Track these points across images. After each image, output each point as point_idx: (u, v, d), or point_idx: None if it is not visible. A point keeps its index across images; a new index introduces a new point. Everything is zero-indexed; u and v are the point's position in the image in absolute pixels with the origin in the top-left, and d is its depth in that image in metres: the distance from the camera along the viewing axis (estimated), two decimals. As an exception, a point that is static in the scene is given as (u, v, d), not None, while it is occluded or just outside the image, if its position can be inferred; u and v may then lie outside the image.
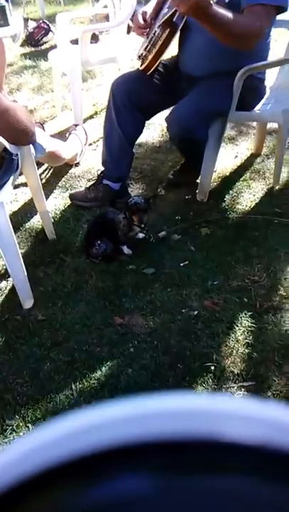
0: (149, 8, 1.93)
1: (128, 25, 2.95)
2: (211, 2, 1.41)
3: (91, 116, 2.87)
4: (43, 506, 0.15)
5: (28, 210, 2.05)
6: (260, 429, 0.16)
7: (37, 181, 1.68)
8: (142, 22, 1.89)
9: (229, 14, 1.48)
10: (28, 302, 1.60)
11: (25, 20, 4.57)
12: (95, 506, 0.15)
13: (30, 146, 1.55)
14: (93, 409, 0.17)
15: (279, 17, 1.73)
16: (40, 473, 0.16)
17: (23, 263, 1.55)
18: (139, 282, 1.69)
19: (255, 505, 0.15)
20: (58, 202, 2.12)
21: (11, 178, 1.48)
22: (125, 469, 0.16)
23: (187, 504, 0.15)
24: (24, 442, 0.17)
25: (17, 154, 1.45)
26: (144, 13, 1.91)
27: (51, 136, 2.16)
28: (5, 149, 1.37)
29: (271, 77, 2.12)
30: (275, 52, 2.22)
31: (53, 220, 1.94)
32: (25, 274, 1.57)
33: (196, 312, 1.57)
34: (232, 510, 0.14)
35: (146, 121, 2.09)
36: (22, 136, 1.35)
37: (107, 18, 3.85)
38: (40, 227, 1.95)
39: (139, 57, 1.95)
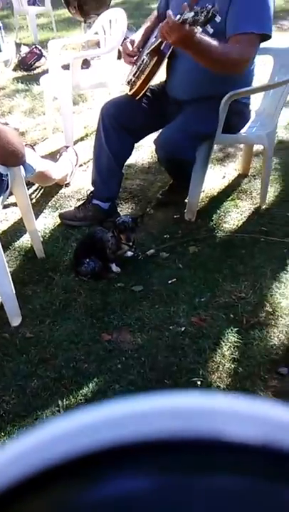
0: (137, 37, 2.01)
1: (118, 50, 3.06)
2: (196, 31, 1.47)
3: (82, 138, 2.93)
4: (41, 506, 0.15)
5: (17, 230, 2.08)
6: (261, 428, 0.16)
7: (27, 201, 1.71)
8: (131, 50, 1.97)
9: (215, 43, 1.55)
10: (15, 320, 1.61)
11: (18, 45, 4.70)
12: (94, 506, 0.15)
13: (21, 167, 1.58)
14: (93, 408, 0.17)
15: (263, 45, 1.82)
16: (39, 473, 0.15)
17: (11, 281, 1.56)
18: (128, 300, 1.71)
19: (255, 505, 0.14)
20: (47, 221, 2.15)
21: (1, 198, 1.51)
22: (125, 469, 0.15)
23: (187, 504, 0.14)
24: (22, 442, 0.16)
25: (7, 175, 1.49)
26: (132, 42, 1.98)
27: (42, 157, 2.21)
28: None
29: (257, 101, 2.21)
30: (260, 79, 2.31)
31: (42, 239, 1.97)
32: (14, 291, 1.58)
33: (183, 328, 1.58)
34: (231, 510, 0.14)
35: (136, 143, 2.15)
36: (12, 157, 1.39)
37: (98, 44, 3.98)
38: (29, 246, 1.97)
39: (128, 83, 2.02)
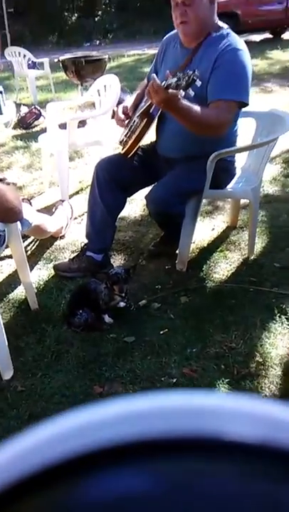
0: (129, 102, 2.17)
1: (113, 111, 3.26)
2: (179, 96, 1.61)
3: (77, 192, 3.05)
4: (41, 506, 0.15)
5: (12, 281, 2.12)
6: (261, 428, 0.16)
7: (22, 254, 1.76)
8: (122, 116, 2.11)
9: (196, 107, 1.69)
10: (7, 373, 1.61)
11: (18, 105, 4.97)
12: (93, 505, 0.15)
13: (17, 222, 1.66)
14: (92, 408, 0.17)
15: (246, 109, 1.97)
16: (38, 473, 0.15)
17: (4, 334, 1.58)
18: (120, 351, 1.72)
19: (255, 505, 0.14)
20: (42, 273, 2.20)
21: (-3, 251, 1.56)
22: (124, 469, 0.16)
23: (187, 504, 0.14)
24: (21, 442, 0.17)
25: (4, 230, 1.55)
26: (124, 108, 2.13)
27: (38, 210, 2.29)
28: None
29: (242, 158, 2.34)
30: (244, 139, 2.46)
31: (36, 291, 2.00)
32: (6, 345, 1.59)
33: (175, 380, 1.59)
34: (231, 509, 0.14)
35: (129, 197, 2.25)
36: (10, 214, 1.46)
37: (94, 104, 4.23)
38: (23, 297, 2.00)
39: (120, 142, 2.15)
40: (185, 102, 1.65)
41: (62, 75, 7.02)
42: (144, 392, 0.19)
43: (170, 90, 1.59)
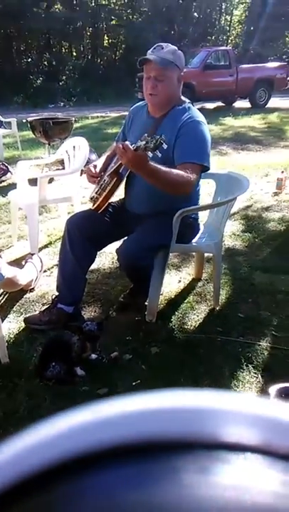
0: (100, 162, 2.30)
1: (81, 170, 3.41)
2: (147, 156, 1.75)
3: (46, 246, 3.11)
4: (40, 506, 0.15)
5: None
6: (260, 429, 0.16)
7: (-5, 307, 1.77)
8: (93, 171, 2.24)
9: (164, 168, 1.84)
10: (-23, 430, 1.56)
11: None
12: (91, 505, 0.15)
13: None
14: (90, 408, 0.17)
15: (207, 172, 2.16)
16: (37, 473, 0.16)
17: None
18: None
19: (254, 507, 0.14)
20: (12, 326, 2.18)
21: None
22: (123, 468, 0.16)
23: (186, 504, 0.14)
24: (20, 443, 0.17)
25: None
26: (95, 166, 2.27)
27: (8, 263, 2.32)
28: None
29: (204, 215, 2.51)
30: (204, 198, 2.66)
31: (6, 344, 1.98)
32: (-22, 399, 1.56)
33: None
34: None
35: (98, 251, 2.33)
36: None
37: (61, 162, 4.40)
38: (-7, 351, 1.97)
39: (91, 199, 2.26)
40: (153, 164, 1.80)
41: (28, 133, 7.28)
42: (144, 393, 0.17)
43: (138, 152, 1.74)
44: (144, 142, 1.74)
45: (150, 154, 1.75)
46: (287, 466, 0.15)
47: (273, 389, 1.64)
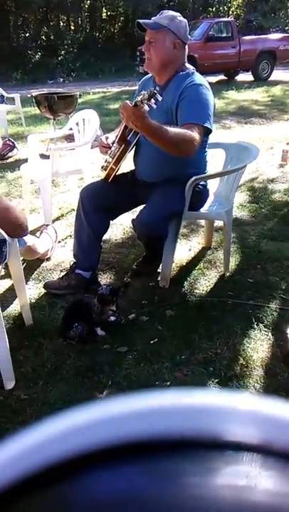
0: (111, 134, 2.35)
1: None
2: (147, 115, 1.81)
3: (58, 218, 3.18)
4: (39, 506, 0.15)
5: (3, 300, 2.19)
6: (261, 429, 0.16)
7: (20, 271, 1.87)
8: (105, 142, 2.30)
9: (167, 126, 1.88)
10: (9, 383, 1.68)
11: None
12: (89, 505, 0.15)
13: (16, 239, 1.77)
14: (90, 408, 0.17)
15: (216, 139, 2.21)
16: (37, 473, 0.16)
17: (8, 346, 1.66)
18: (114, 360, 1.84)
19: (252, 506, 0.14)
20: (32, 292, 2.29)
21: (0, 267, 1.67)
22: (124, 467, 0.16)
23: (188, 503, 0.14)
24: (20, 443, 0.17)
25: (6, 246, 1.66)
26: (106, 138, 2.32)
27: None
28: (-3, 241, 1.58)
29: (214, 185, 2.58)
30: (215, 165, 2.72)
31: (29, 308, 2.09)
32: (9, 355, 1.67)
33: (168, 383, 1.71)
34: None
35: (111, 220, 2.41)
36: (19, 230, 1.58)
37: (67, 137, 4.43)
38: (16, 314, 2.08)
39: (102, 167, 2.33)
40: (154, 122, 1.85)
41: (31, 109, 7.25)
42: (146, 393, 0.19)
43: (137, 107, 1.81)
44: (140, 97, 1.83)
45: (147, 108, 1.82)
46: (287, 465, 0.15)
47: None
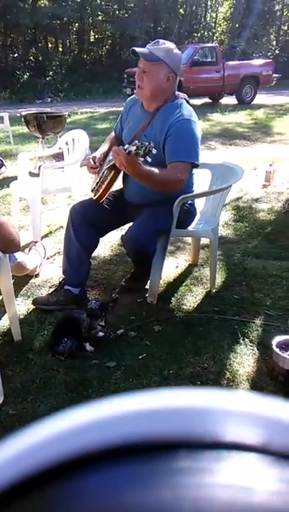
0: (98, 153, 2.39)
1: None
2: (139, 162, 1.87)
3: (46, 235, 3.22)
4: (38, 505, 0.15)
5: (-8, 316, 2.20)
6: (260, 429, 0.16)
7: (10, 286, 1.89)
8: (92, 163, 2.35)
9: (155, 170, 1.95)
10: (-2, 398, 1.68)
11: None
12: (89, 505, 0.15)
13: (7, 255, 1.80)
14: (87, 409, 0.17)
15: (202, 160, 2.28)
16: (35, 473, 0.16)
17: (-3, 360, 1.67)
18: (103, 375, 1.85)
19: (254, 506, 0.14)
20: (21, 308, 2.30)
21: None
22: (121, 468, 0.16)
23: (186, 504, 0.14)
24: (18, 443, 0.17)
25: (-2, 261, 1.69)
26: (94, 158, 2.37)
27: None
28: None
29: (200, 203, 2.66)
30: (201, 186, 2.80)
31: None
32: (-1, 370, 1.68)
33: (157, 397, 1.73)
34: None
35: (101, 237, 2.45)
36: (11, 245, 1.61)
37: (55, 156, 4.50)
38: (5, 330, 2.09)
39: (92, 190, 2.38)
40: (145, 167, 1.91)
41: (19, 128, 7.33)
42: (146, 390, 0.19)
43: (130, 156, 1.86)
44: (134, 148, 1.84)
45: (141, 159, 1.87)
46: (287, 465, 0.15)
47: (275, 341, 1.82)
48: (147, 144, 1.82)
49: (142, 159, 1.85)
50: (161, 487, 0.15)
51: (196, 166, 2.14)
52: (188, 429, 0.16)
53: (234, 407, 0.17)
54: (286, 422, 0.17)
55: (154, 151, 1.84)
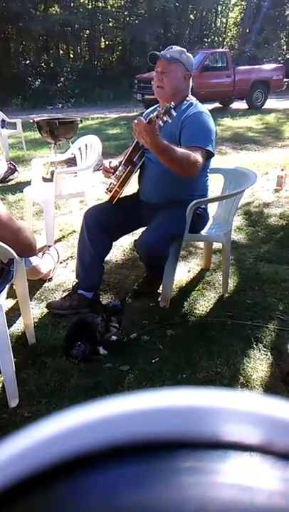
0: (115, 160, 2.43)
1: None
2: (158, 133, 1.89)
3: (59, 239, 3.25)
4: (38, 505, 0.15)
5: (7, 319, 2.22)
6: (261, 428, 0.16)
7: (26, 290, 1.91)
8: (108, 167, 2.38)
9: (174, 146, 1.97)
10: (13, 401, 1.69)
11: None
12: (90, 505, 0.15)
13: (23, 259, 1.82)
14: (90, 407, 0.17)
15: (215, 165, 2.29)
16: (35, 473, 0.16)
17: (13, 364, 1.69)
18: (117, 378, 1.86)
19: (255, 506, 0.14)
20: (34, 311, 2.32)
21: (7, 286, 1.71)
22: (122, 468, 0.16)
23: (187, 504, 0.14)
24: (18, 443, 0.17)
25: (13, 266, 1.71)
26: (110, 162, 2.40)
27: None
28: (6, 261, 1.63)
29: (213, 208, 2.66)
30: (213, 190, 2.81)
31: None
32: (14, 372, 1.70)
33: (170, 402, 1.74)
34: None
35: (114, 242, 2.47)
36: (29, 249, 1.64)
37: (67, 161, 4.55)
38: (19, 333, 2.11)
39: (107, 189, 2.40)
40: (165, 141, 1.93)
41: (32, 133, 7.42)
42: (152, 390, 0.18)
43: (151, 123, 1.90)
44: (155, 113, 1.91)
45: (161, 123, 1.90)
46: (288, 465, 0.15)
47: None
48: (168, 104, 1.88)
49: (161, 121, 1.88)
50: (164, 487, 0.15)
51: (212, 155, 2.18)
52: (190, 428, 0.16)
53: (237, 407, 0.17)
54: (287, 421, 0.17)
55: (174, 113, 1.90)
